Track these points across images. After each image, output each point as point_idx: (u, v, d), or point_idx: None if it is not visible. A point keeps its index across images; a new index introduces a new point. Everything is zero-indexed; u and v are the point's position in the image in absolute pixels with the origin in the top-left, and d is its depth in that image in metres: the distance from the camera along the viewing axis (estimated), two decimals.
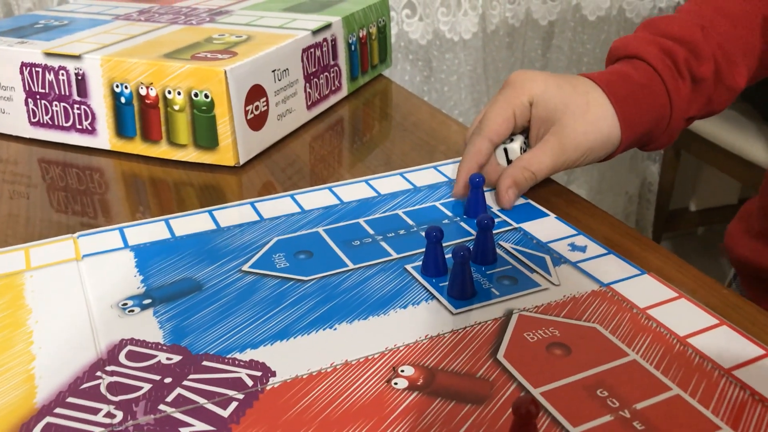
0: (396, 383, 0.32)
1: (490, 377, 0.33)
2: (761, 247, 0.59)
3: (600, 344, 0.35)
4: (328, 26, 0.65)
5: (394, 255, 0.43)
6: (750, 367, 0.33)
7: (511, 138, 0.50)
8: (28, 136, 0.62)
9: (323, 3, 0.73)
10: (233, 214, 0.48)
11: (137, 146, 0.57)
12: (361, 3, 0.73)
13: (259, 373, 0.33)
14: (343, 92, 0.70)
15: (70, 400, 0.32)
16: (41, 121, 0.60)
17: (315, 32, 0.63)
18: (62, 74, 0.58)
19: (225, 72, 0.52)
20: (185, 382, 0.32)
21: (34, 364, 0.34)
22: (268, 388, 0.32)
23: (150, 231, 0.46)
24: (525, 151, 0.50)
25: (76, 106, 0.58)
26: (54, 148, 0.61)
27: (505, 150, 0.50)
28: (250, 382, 0.32)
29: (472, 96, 1.63)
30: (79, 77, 0.57)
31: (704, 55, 0.53)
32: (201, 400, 0.31)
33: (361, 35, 0.71)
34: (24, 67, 0.59)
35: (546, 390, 0.32)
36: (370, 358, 0.34)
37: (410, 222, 0.47)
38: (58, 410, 0.31)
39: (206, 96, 0.53)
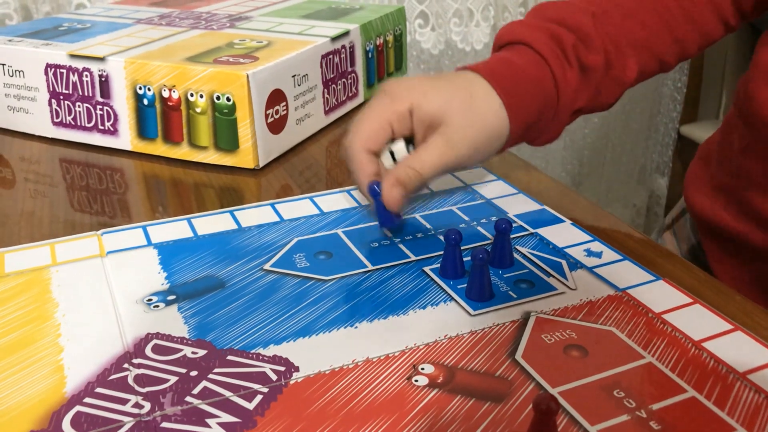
0: (416, 380, 0.33)
1: (508, 376, 0.33)
2: (718, 206, 0.57)
3: (616, 347, 0.35)
4: (346, 33, 0.66)
5: (413, 257, 0.44)
6: (764, 371, 0.33)
7: (393, 140, 0.47)
8: (51, 136, 0.63)
9: (341, 11, 0.74)
10: (254, 215, 0.49)
11: (158, 147, 0.58)
12: (378, 11, 0.74)
13: (282, 368, 0.34)
14: (360, 98, 0.71)
15: (99, 390, 0.32)
16: (64, 122, 0.62)
17: (334, 39, 0.64)
18: (86, 76, 0.59)
19: (247, 76, 0.53)
20: (211, 376, 0.33)
21: (63, 356, 0.35)
22: (291, 382, 0.33)
23: (173, 230, 0.47)
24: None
25: (98, 107, 0.59)
26: (76, 148, 0.62)
27: (391, 152, 0.47)
28: (274, 377, 0.33)
29: None
30: (103, 79, 0.58)
31: (594, 44, 0.51)
32: (227, 393, 0.32)
33: (378, 43, 0.72)
34: (49, 68, 0.60)
35: (564, 390, 0.32)
36: (390, 356, 0.35)
37: (428, 225, 0.48)
38: (87, 400, 0.32)
39: (228, 99, 0.54)
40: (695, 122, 1.81)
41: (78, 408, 0.31)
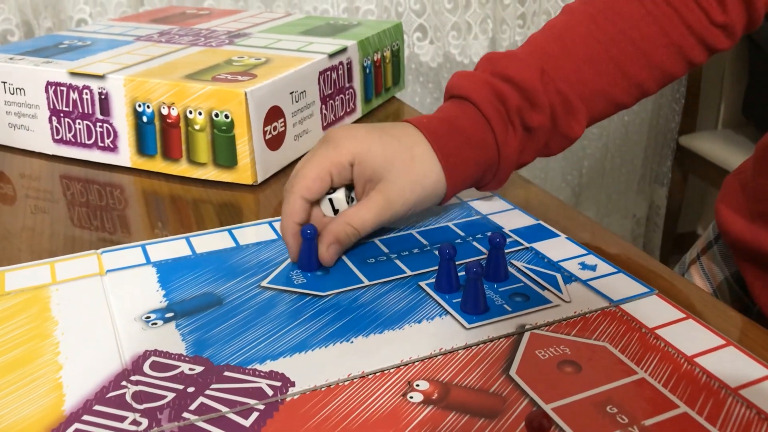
0: (411, 397, 0.33)
1: (502, 393, 0.34)
2: (760, 232, 0.55)
3: (609, 362, 0.36)
4: (344, 50, 0.67)
5: (408, 272, 0.44)
6: (756, 387, 0.34)
7: (333, 189, 0.48)
8: (51, 153, 0.64)
9: (339, 27, 0.75)
10: (251, 233, 0.49)
11: (158, 164, 0.59)
12: (376, 27, 0.74)
13: (278, 384, 0.34)
14: (358, 114, 0.72)
15: (97, 407, 0.33)
16: (64, 139, 0.62)
17: (331, 55, 0.65)
18: (86, 93, 0.59)
19: (245, 93, 0.54)
20: (208, 392, 0.34)
21: (62, 374, 0.35)
22: (287, 398, 0.33)
23: (171, 248, 0.47)
24: (352, 200, 0.48)
25: (98, 124, 0.60)
26: (76, 164, 0.63)
27: (330, 201, 0.48)
28: (270, 392, 0.33)
29: None
30: (103, 96, 0.59)
31: (540, 103, 0.50)
32: (223, 409, 0.32)
33: (375, 59, 0.73)
34: (49, 86, 0.61)
35: (557, 406, 0.33)
36: (386, 371, 0.35)
37: (423, 241, 0.48)
38: (85, 417, 0.32)
39: (226, 116, 0.55)
40: (694, 133, 1.81)
41: (76, 426, 0.32)
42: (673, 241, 1.93)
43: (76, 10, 1.27)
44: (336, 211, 0.48)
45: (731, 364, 0.35)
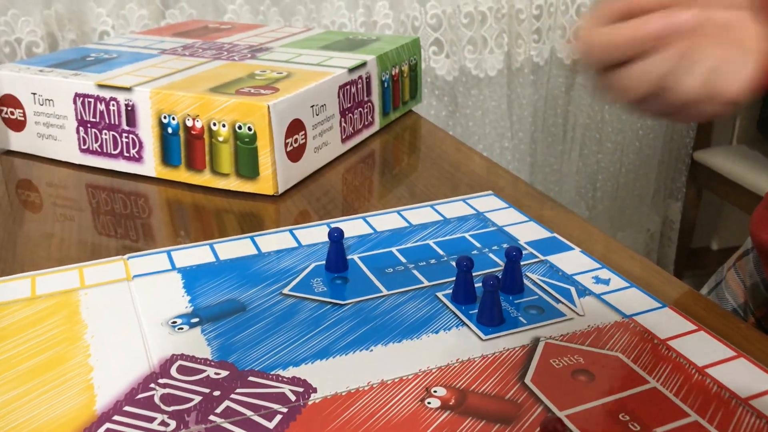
0: (429, 402, 0.34)
1: (518, 400, 0.35)
2: None
3: (622, 372, 0.37)
4: (363, 64, 0.68)
5: (426, 283, 0.45)
6: (766, 397, 0.35)
7: None
8: (78, 163, 0.66)
9: (358, 42, 0.77)
10: (273, 240, 0.51)
11: (182, 174, 0.61)
12: (394, 42, 0.76)
13: (301, 389, 0.35)
14: (375, 127, 0.73)
15: (127, 408, 0.34)
16: (91, 149, 0.64)
17: (351, 70, 0.66)
18: (113, 105, 0.61)
19: (268, 107, 0.55)
20: (233, 396, 0.35)
21: (92, 375, 0.37)
22: (309, 403, 0.34)
23: (196, 254, 0.49)
24: None
25: (124, 135, 0.62)
26: (102, 174, 0.65)
27: None
28: (293, 397, 0.35)
29: (496, 131, 1.66)
30: (129, 108, 0.60)
31: None
32: (248, 413, 0.34)
33: (393, 73, 0.74)
34: (77, 98, 0.63)
35: (571, 413, 0.34)
36: (404, 378, 0.36)
37: (440, 252, 0.49)
38: (116, 417, 0.33)
39: (249, 129, 0.56)
40: (709, 148, 1.82)
41: (108, 425, 0.33)
42: (687, 256, 1.93)
43: (99, 23, 1.30)
44: None
45: (742, 375, 0.36)
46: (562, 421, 0.30)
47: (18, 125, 0.67)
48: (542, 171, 1.78)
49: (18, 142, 0.68)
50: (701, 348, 0.38)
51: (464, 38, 1.52)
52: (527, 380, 0.36)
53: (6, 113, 0.67)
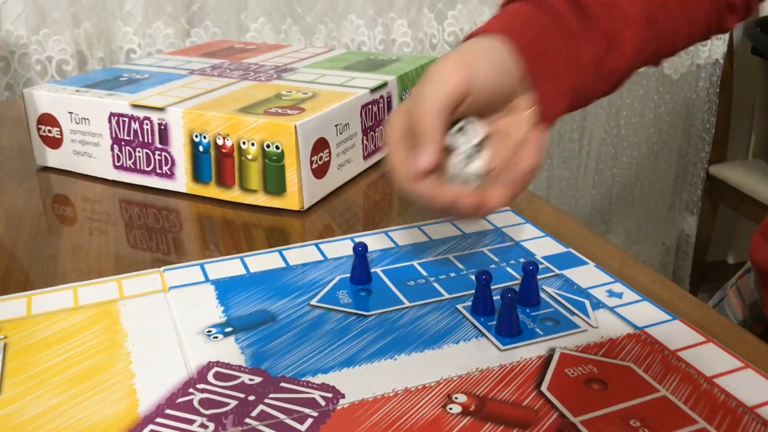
0: (450, 408, 0.37)
1: (534, 406, 0.37)
2: None
3: (634, 381, 0.38)
4: (384, 85, 0.71)
5: (446, 295, 0.47)
6: None
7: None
8: (112, 179, 0.69)
9: (378, 62, 0.79)
10: (300, 254, 0.53)
11: (212, 190, 0.63)
12: (413, 63, 0.79)
13: (330, 395, 0.38)
14: None
15: (169, 411, 0.36)
16: (124, 165, 0.67)
17: (373, 90, 0.69)
18: (147, 124, 0.64)
19: (295, 127, 0.58)
20: (266, 400, 0.37)
21: (135, 381, 0.39)
22: (338, 407, 0.37)
23: (227, 267, 0.51)
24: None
25: (157, 152, 0.65)
26: (135, 189, 0.67)
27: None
28: (322, 402, 0.37)
29: None
30: (162, 127, 0.63)
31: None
32: (281, 416, 0.36)
33: None
34: (112, 117, 0.66)
35: (585, 419, 0.36)
36: (427, 385, 0.38)
37: (460, 266, 0.51)
38: (158, 420, 0.36)
39: (277, 147, 0.59)
40: (724, 162, 1.83)
41: (151, 427, 0.35)
42: (702, 270, 1.94)
43: (125, 41, 1.34)
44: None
45: (748, 385, 0.38)
46: (577, 427, 0.32)
47: (55, 143, 0.70)
48: (558, 185, 1.79)
49: (55, 158, 0.71)
50: (710, 359, 0.40)
51: None
52: (543, 388, 0.38)
53: (44, 131, 0.70)
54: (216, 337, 0.43)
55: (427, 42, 1.49)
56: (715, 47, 1.76)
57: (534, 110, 0.46)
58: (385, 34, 1.45)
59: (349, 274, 0.50)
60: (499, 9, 0.51)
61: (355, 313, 0.45)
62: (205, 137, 0.62)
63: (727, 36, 1.75)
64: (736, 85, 1.83)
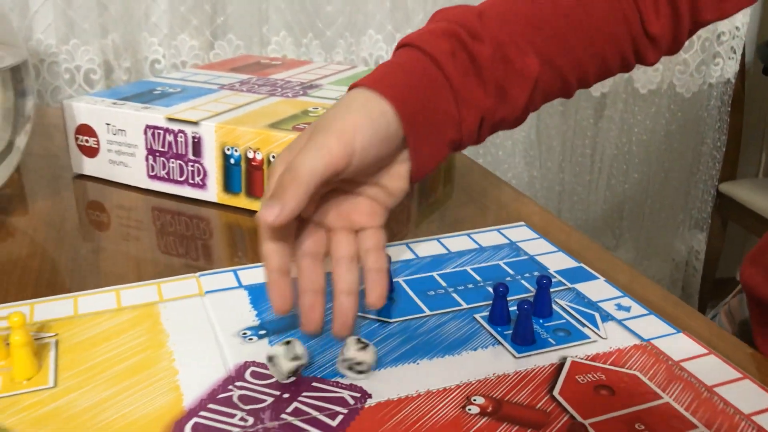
0: (469, 409, 0.40)
1: (547, 409, 0.40)
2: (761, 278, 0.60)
3: (639, 388, 0.41)
4: None
5: (464, 305, 0.51)
6: (765, 416, 0.39)
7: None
8: (145, 187, 0.72)
9: None
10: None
11: (241, 201, 0.67)
12: None
13: (358, 395, 0.41)
14: None
15: (211, 406, 0.40)
16: (158, 175, 0.70)
17: None
18: (181, 136, 0.68)
19: None
20: (300, 398, 0.40)
21: (178, 377, 0.42)
22: (366, 406, 0.40)
23: (259, 274, 0.55)
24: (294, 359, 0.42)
25: (190, 163, 0.68)
26: (167, 198, 0.71)
27: (271, 358, 0.42)
28: (351, 401, 0.40)
29: (525, 160, 1.71)
30: (196, 140, 0.67)
31: (482, 36, 0.47)
32: (314, 412, 0.39)
33: None
34: (148, 129, 0.69)
35: (593, 421, 0.39)
36: (447, 388, 0.42)
37: (477, 277, 0.55)
38: (202, 413, 0.39)
39: None
40: (734, 180, 1.85)
41: (195, 420, 0.39)
42: (711, 286, 1.96)
43: (151, 51, 1.38)
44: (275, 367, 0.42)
45: (746, 395, 0.41)
46: (587, 427, 0.35)
47: (92, 152, 0.74)
48: (570, 199, 1.82)
49: (91, 167, 0.75)
50: (710, 369, 0.43)
51: None
52: (555, 393, 0.41)
53: (81, 141, 0.74)
54: (251, 339, 0.46)
55: None
56: (727, 67, 1.78)
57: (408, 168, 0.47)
58: None
59: None
60: (393, 51, 0.50)
61: (380, 320, 0.49)
62: (236, 150, 0.65)
63: (739, 56, 1.77)
64: (747, 105, 1.86)
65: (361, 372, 0.42)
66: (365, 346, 0.42)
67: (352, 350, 0.42)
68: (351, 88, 0.47)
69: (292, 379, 0.42)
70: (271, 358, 0.42)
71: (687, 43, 1.71)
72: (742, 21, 1.74)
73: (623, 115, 1.77)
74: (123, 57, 1.35)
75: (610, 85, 1.72)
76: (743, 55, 1.79)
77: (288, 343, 0.42)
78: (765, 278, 0.59)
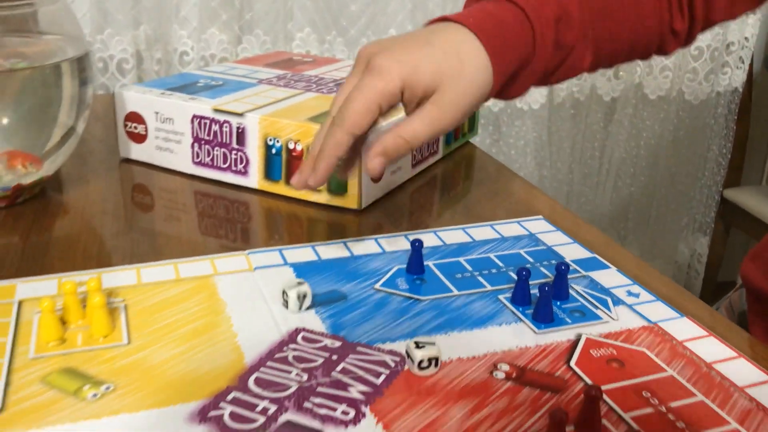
0: (496, 374, 0.45)
1: (565, 377, 0.45)
2: (766, 276, 0.66)
3: (646, 362, 0.47)
4: None
5: (489, 287, 0.56)
6: (759, 388, 0.45)
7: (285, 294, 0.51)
8: (190, 173, 0.78)
9: None
10: (362, 246, 0.62)
11: (281, 188, 0.72)
12: None
13: (398, 359, 0.46)
14: (439, 155, 0.84)
15: (270, 363, 0.45)
16: (203, 162, 0.76)
17: None
18: (226, 126, 0.73)
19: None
20: (347, 359, 0.46)
21: (238, 340, 0.48)
22: (405, 368, 0.45)
23: (302, 253, 0.60)
24: (301, 300, 0.51)
25: (234, 152, 0.74)
26: (210, 184, 0.76)
27: (284, 292, 0.51)
28: (392, 364, 0.46)
29: (536, 160, 1.77)
30: (240, 130, 0.72)
31: (574, 23, 0.54)
32: (360, 372, 0.45)
33: None
34: (195, 119, 0.75)
35: (606, 389, 0.44)
36: (476, 356, 0.47)
37: (500, 264, 0.60)
38: (262, 369, 0.45)
39: None
40: (738, 187, 1.90)
41: (257, 374, 0.44)
42: (712, 289, 2.01)
43: (180, 44, 1.44)
44: (286, 303, 0.51)
45: (741, 371, 0.46)
46: (600, 388, 0.40)
47: (139, 138, 0.79)
48: (577, 200, 1.87)
49: (138, 152, 0.80)
50: (710, 349, 0.48)
51: None
52: (572, 363, 0.46)
53: (130, 127, 0.79)
54: (300, 309, 0.51)
55: None
56: (735, 76, 1.83)
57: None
58: None
59: (405, 265, 0.59)
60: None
61: (413, 297, 0.54)
62: (278, 141, 0.71)
63: (746, 66, 1.82)
64: (753, 114, 1.91)
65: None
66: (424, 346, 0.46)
67: (417, 353, 0.45)
68: (459, 20, 0.51)
69: (305, 308, 0.51)
70: (284, 292, 0.51)
71: (697, 52, 1.76)
72: (751, 32, 1.79)
73: (632, 120, 1.82)
74: (154, 48, 1.40)
75: (620, 91, 1.77)
76: (751, 65, 1.84)
77: (300, 283, 0.51)
78: (763, 272, 0.65)
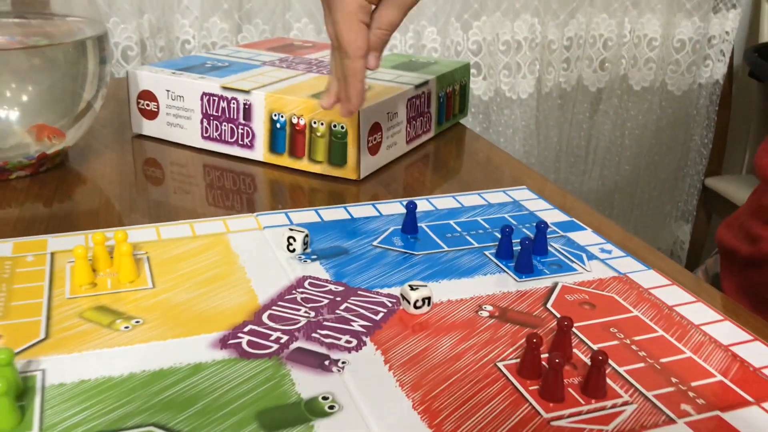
0: (481, 313, 0.51)
1: (541, 316, 0.51)
2: (736, 237, 0.73)
3: (615, 305, 0.53)
4: (426, 82, 0.85)
5: (476, 244, 0.62)
6: (712, 325, 0.51)
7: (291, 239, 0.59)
8: (199, 147, 0.83)
9: (420, 64, 0.94)
10: (361, 210, 0.68)
11: (284, 160, 0.78)
12: (450, 66, 0.93)
13: (394, 300, 0.52)
14: (431, 133, 0.90)
15: (280, 303, 0.51)
16: (211, 136, 0.81)
17: (417, 86, 0.83)
18: (234, 103, 0.79)
19: (359, 112, 0.72)
20: (349, 301, 0.52)
21: (252, 285, 0.54)
22: (401, 308, 0.51)
23: (306, 215, 0.66)
24: (306, 244, 0.58)
25: (240, 126, 0.79)
26: (218, 157, 0.82)
27: (289, 238, 0.59)
28: (390, 304, 0.51)
29: (524, 148, 1.83)
30: (247, 106, 0.78)
31: None
32: (361, 310, 0.50)
33: (448, 91, 0.91)
34: (204, 96, 0.80)
35: (578, 326, 0.50)
36: (463, 299, 0.53)
37: (486, 225, 0.66)
38: (274, 307, 0.50)
39: (342, 127, 0.73)
40: (719, 175, 1.97)
41: (270, 311, 0.50)
42: None
43: (182, 32, 1.49)
44: (292, 250, 0.58)
45: (698, 312, 0.52)
46: (571, 318, 0.46)
47: (151, 115, 0.85)
48: (564, 188, 1.94)
49: (149, 128, 0.86)
50: (672, 295, 0.55)
51: (500, 63, 1.69)
52: (548, 305, 0.52)
53: (142, 105, 0.85)
54: (306, 261, 0.57)
55: (453, 48, 1.64)
56: (717, 69, 1.90)
57: None
58: (416, 39, 1.59)
59: (400, 226, 0.64)
60: None
61: (407, 252, 0.60)
62: (282, 116, 0.76)
63: (727, 59, 1.89)
64: (734, 105, 1.97)
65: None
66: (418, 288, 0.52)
67: (412, 294, 0.51)
68: None
69: (307, 251, 0.59)
70: (290, 237, 0.58)
71: (679, 45, 1.83)
72: (731, 26, 1.86)
73: (617, 110, 1.89)
74: (158, 36, 1.45)
75: (606, 82, 1.84)
76: (732, 58, 1.91)
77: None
78: (734, 235, 0.71)
